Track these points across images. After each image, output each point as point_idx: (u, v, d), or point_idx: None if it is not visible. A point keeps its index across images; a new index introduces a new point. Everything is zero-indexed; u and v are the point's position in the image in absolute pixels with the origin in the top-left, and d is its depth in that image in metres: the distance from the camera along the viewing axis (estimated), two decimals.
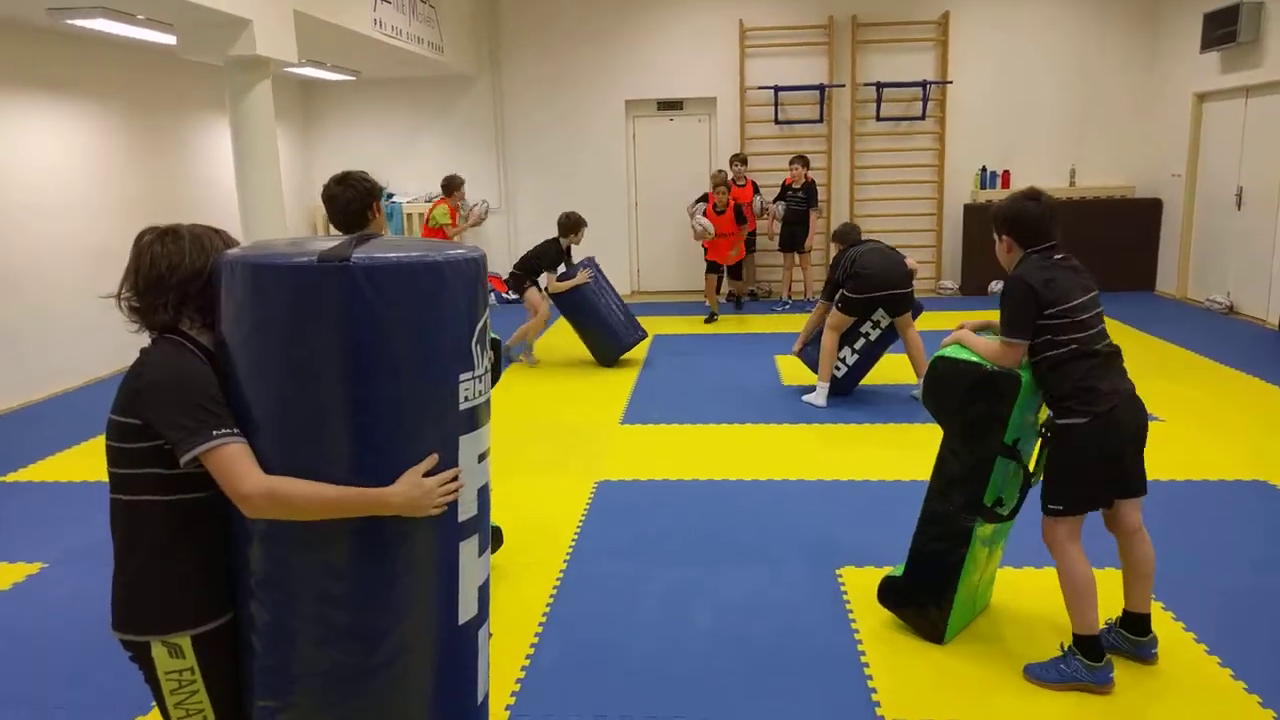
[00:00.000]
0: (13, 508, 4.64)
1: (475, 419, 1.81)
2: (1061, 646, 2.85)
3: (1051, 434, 2.77)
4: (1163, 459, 4.77)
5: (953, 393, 2.92)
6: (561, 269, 7.19)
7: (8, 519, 4.49)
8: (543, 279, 7.26)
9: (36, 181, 6.72)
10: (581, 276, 7.07)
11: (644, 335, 7.34)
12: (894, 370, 6.48)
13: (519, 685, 2.91)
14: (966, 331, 2.97)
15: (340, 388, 1.64)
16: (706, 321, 9.15)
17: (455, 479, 1.73)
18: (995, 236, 2.92)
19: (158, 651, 1.73)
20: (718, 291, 9.45)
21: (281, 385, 1.65)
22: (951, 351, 2.95)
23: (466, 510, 1.81)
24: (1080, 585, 2.77)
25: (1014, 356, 2.78)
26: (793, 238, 9.65)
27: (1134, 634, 2.92)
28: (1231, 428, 5.32)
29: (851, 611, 3.32)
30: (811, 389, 6.17)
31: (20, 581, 3.77)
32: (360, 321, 1.61)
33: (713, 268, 9.25)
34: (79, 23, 5.86)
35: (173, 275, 1.72)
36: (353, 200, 3.01)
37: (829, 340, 6.01)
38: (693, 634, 3.21)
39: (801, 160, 9.53)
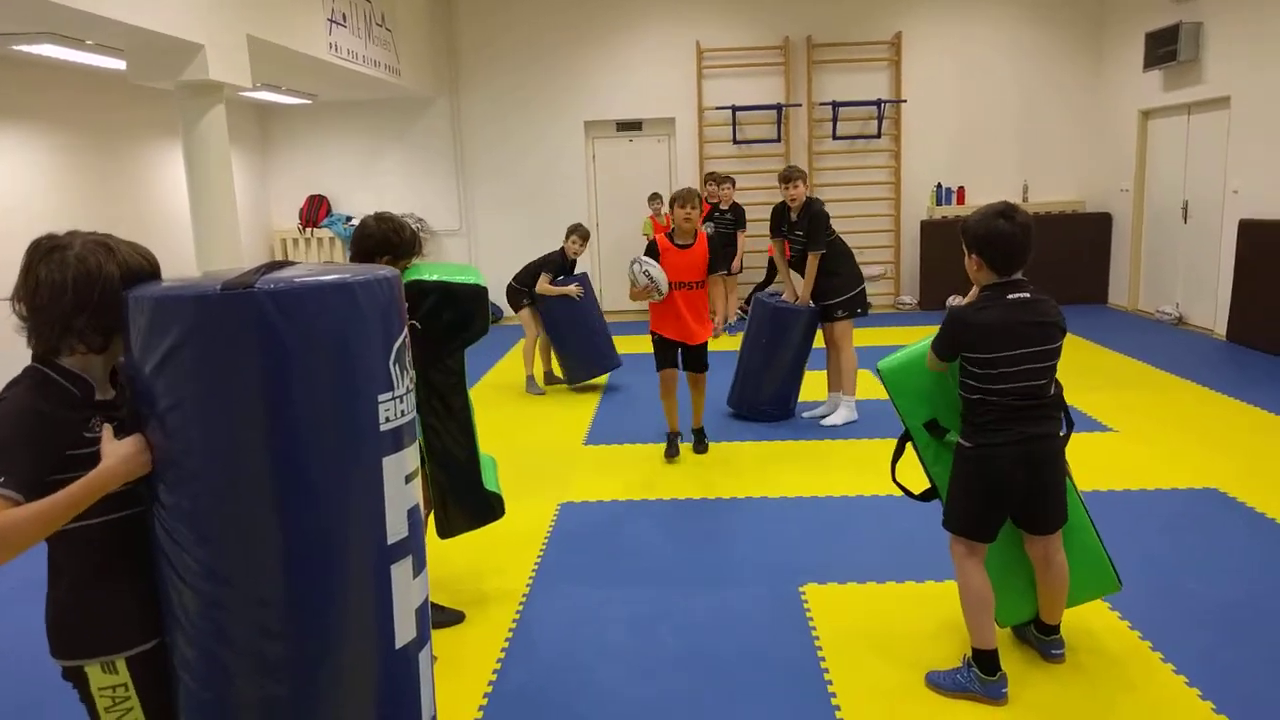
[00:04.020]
0: None
1: (398, 439, 1.79)
2: (963, 657, 2.90)
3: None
4: (1116, 469, 4.87)
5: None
6: (560, 278, 7.11)
7: None
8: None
9: None
10: (572, 289, 7.01)
11: (618, 363, 7.27)
12: (862, 385, 6.48)
13: (481, 712, 2.88)
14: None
15: (255, 414, 1.62)
16: (669, 457, 5.35)
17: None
18: (965, 252, 2.81)
19: (91, 669, 1.71)
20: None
21: (196, 416, 1.62)
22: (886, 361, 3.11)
23: (396, 533, 1.79)
24: (973, 601, 2.83)
25: (936, 365, 2.86)
26: (721, 260, 9.54)
27: (1041, 633, 3.05)
28: (1183, 437, 5.42)
29: (815, 628, 3.33)
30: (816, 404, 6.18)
31: None
32: (269, 348, 1.60)
33: (666, 356, 5.24)
34: (26, 48, 5.78)
35: (55, 306, 1.65)
36: (369, 238, 3.06)
37: (852, 355, 5.95)
38: (658, 656, 3.19)
39: (729, 181, 9.45)
